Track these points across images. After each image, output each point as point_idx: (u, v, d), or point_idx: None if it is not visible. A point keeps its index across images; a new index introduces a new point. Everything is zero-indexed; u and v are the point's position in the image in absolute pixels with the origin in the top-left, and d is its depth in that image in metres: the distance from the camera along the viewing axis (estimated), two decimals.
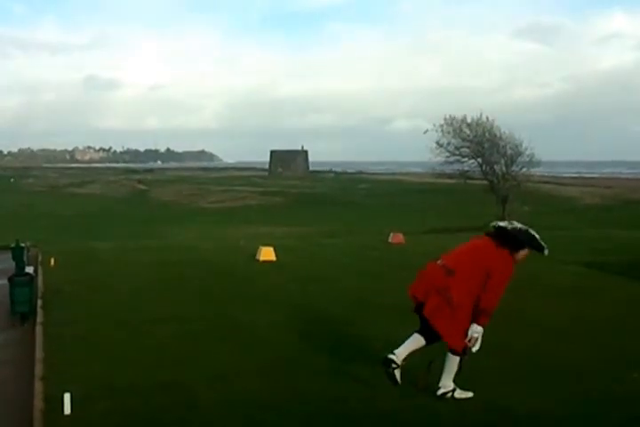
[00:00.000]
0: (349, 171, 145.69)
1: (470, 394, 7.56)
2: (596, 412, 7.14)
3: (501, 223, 7.81)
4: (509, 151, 39.47)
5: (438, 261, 7.73)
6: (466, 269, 7.41)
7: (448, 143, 40.55)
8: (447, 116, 40.56)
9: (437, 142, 40.27)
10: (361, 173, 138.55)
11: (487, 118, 40.28)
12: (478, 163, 40.28)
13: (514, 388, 7.87)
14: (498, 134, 39.87)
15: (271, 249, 19.93)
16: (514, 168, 39.44)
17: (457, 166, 40.81)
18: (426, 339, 7.56)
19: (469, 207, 46.51)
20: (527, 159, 39.19)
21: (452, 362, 7.49)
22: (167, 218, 58.04)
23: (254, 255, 19.78)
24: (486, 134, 39.91)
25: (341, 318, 11.95)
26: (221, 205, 72.23)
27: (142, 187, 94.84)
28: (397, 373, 7.51)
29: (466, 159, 40.58)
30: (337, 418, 6.99)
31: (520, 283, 15.15)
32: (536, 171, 41.90)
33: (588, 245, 22.84)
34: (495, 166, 39.82)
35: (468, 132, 40.27)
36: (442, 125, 40.36)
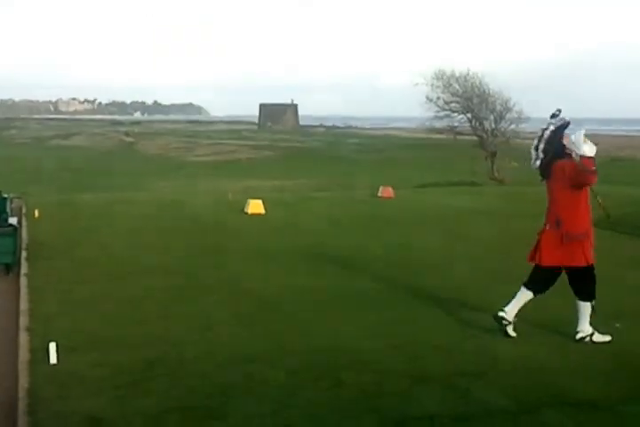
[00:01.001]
0: (340, 125, 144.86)
1: (608, 338, 7.81)
2: (579, 360, 7.20)
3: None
4: (498, 107, 39.25)
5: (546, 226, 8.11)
6: (561, 206, 7.91)
7: (437, 98, 40.30)
8: (437, 71, 40.23)
9: (427, 97, 40.01)
10: (351, 127, 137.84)
11: (477, 74, 39.99)
12: (468, 118, 40.07)
13: (502, 339, 7.85)
14: (487, 90, 39.58)
15: (260, 202, 19.74)
16: (503, 124, 39.23)
17: (447, 121, 40.63)
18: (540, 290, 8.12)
19: (459, 162, 46.28)
20: (516, 115, 38.99)
21: (585, 307, 7.92)
22: (154, 171, 57.60)
23: (243, 209, 19.59)
24: (475, 90, 39.60)
25: (328, 271, 11.87)
26: (210, 159, 71.80)
27: (129, 139, 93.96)
28: (509, 329, 7.96)
29: (455, 114, 40.39)
30: (322, 371, 6.90)
31: (510, 241, 15.28)
32: (525, 127, 41.72)
33: None
34: (484, 122, 39.62)
35: (457, 87, 39.97)
36: (432, 80, 40.05)
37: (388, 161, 63.27)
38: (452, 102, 40.21)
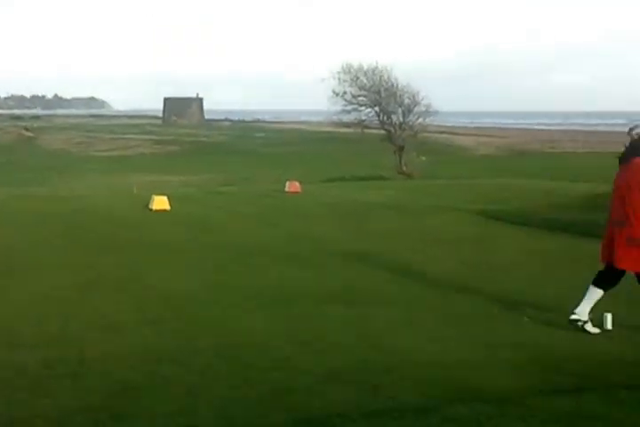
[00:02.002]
0: (246, 119, 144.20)
1: (597, 330, 7.87)
2: (489, 354, 7.17)
3: None
4: (407, 101, 39.61)
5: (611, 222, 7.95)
6: (624, 208, 7.71)
7: (345, 92, 40.40)
8: (344, 64, 40.33)
9: (334, 91, 40.08)
10: (258, 121, 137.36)
11: (385, 68, 40.24)
12: (375, 112, 40.33)
13: (409, 335, 7.81)
14: (395, 84, 39.90)
15: (165, 198, 19.34)
16: (411, 117, 39.60)
17: (354, 115, 40.78)
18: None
19: (367, 156, 46.64)
20: (424, 109, 39.42)
21: (594, 293, 8.01)
22: (56, 166, 56.21)
23: (147, 205, 19.17)
24: (383, 83, 39.86)
25: (235, 265, 11.70)
26: (113, 154, 70.51)
27: (29, 134, 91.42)
28: (588, 326, 7.92)
29: (363, 108, 40.60)
30: (229, 369, 6.72)
31: (417, 232, 15.41)
32: (433, 120, 42.26)
33: (484, 194, 23.09)
34: (392, 116, 39.92)
35: (365, 80, 40.16)
36: (339, 73, 40.13)
37: (295, 155, 63.26)
38: (359, 96, 40.39)
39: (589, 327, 7.99)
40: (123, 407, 5.81)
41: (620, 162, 8.05)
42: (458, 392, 6.02)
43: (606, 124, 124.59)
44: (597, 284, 8.14)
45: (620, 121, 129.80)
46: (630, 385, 6.15)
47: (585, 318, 8.02)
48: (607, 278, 8.14)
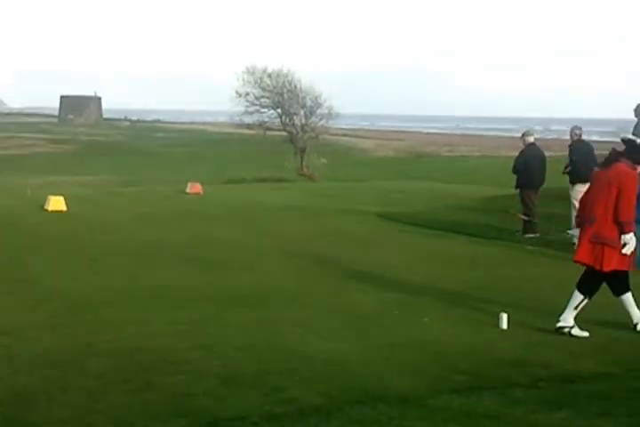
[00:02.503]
0: (146, 119, 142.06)
1: (586, 334, 7.99)
2: (389, 354, 7.25)
3: (631, 136, 8.48)
4: (309, 103, 39.72)
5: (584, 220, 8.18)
6: (603, 205, 7.96)
7: (247, 93, 40.27)
8: (248, 66, 40.22)
9: (237, 92, 39.91)
10: (158, 121, 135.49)
11: (289, 70, 40.30)
12: (278, 113, 40.34)
13: (311, 337, 7.83)
14: (298, 86, 40.00)
15: (61, 199, 18.89)
16: (313, 119, 39.75)
17: (257, 117, 40.69)
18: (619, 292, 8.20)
19: (268, 158, 46.53)
20: (326, 111, 39.61)
21: (577, 299, 8.10)
22: None
23: (42, 205, 18.68)
24: (287, 85, 39.91)
25: (136, 267, 11.57)
26: (6, 153, 68.35)
27: None
28: (575, 330, 8.04)
29: (266, 110, 40.52)
30: (129, 373, 6.61)
31: (318, 233, 15.48)
32: (336, 123, 42.53)
33: (383, 196, 23.36)
34: (295, 117, 39.99)
35: (268, 82, 40.12)
36: (243, 74, 39.99)
37: (196, 156, 62.68)
38: (262, 97, 40.30)
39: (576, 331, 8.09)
40: (17, 414, 5.65)
41: (601, 166, 8.42)
42: (360, 393, 6.06)
43: (500, 129, 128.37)
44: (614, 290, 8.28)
45: (514, 126, 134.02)
46: (526, 384, 6.33)
47: (570, 323, 8.14)
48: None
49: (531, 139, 15.39)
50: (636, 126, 17.07)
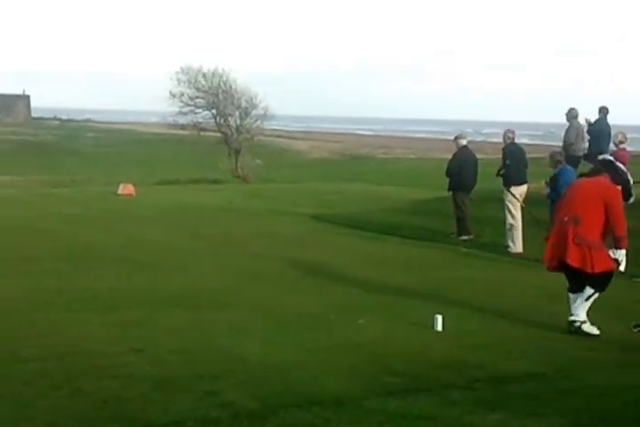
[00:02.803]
0: (77, 119, 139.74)
1: (597, 331, 8.25)
2: (325, 357, 7.23)
3: (609, 157, 8.98)
4: (244, 104, 39.51)
5: (564, 218, 8.39)
6: (589, 210, 8.26)
7: (182, 94, 39.87)
8: (183, 66, 39.83)
9: (171, 92, 39.49)
10: (90, 121, 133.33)
11: (224, 70, 40.02)
12: (212, 114, 40.01)
13: (247, 340, 7.78)
14: (233, 86, 39.76)
15: None
16: (248, 121, 39.55)
17: (191, 117, 40.32)
18: (578, 289, 8.42)
19: (202, 159, 46.15)
20: (262, 112, 39.45)
21: (588, 294, 8.31)
22: None
23: None
24: (222, 86, 39.63)
25: (67, 270, 11.35)
26: None
27: None
28: (585, 326, 8.29)
29: (200, 110, 40.17)
30: (59, 378, 6.44)
31: (252, 235, 15.41)
32: (271, 124, 42.39)
33: (317, 198, 23.38)
34: (229, 118, 39.73)
35: (203, 82, 39.78)
36: (177, 74, 39.58)
37: (128, 157, 61.80)
38: (197, 98, 39.95)
39: (587, 327, 8.34)
40: None
41: (587, 175, 8.85)
42: (295, 396, 6.02)
43: (436, 132, 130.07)
44: (592, 286, 8.40)
45: (448, 129, 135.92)
46: (461, 386, 6.37)
47: (582, 318, 8.37)
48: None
49: (463, 142, 15.55)
50: (567, 130, 17.44)
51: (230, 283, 10.67)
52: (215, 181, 33.62)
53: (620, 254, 8.36)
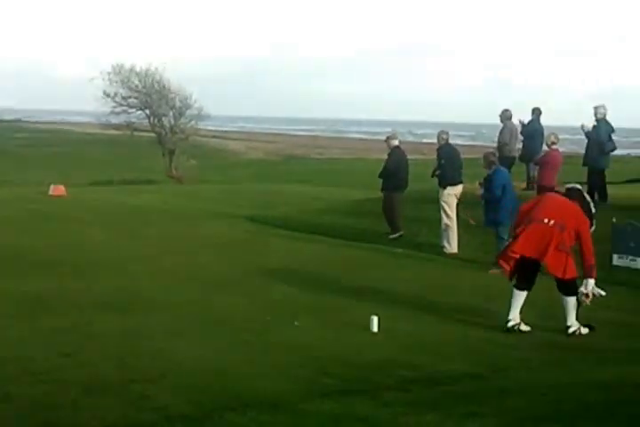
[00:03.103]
0: (6, 118, 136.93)
1: (586, 330, 8.54)
2: (260, 359, 7.19)
3: (578, 186, 9.16)
4: (178, 104, 39.14)
5: (550, 222, 8.52)
6: (571, 222, 8.54)
7: (115, 93, 39.31)
8: (115, 65, 39.25)
9: (104, 92, 38.89)
10: (20, 120, 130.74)
11: (157, 69, 39.56)
12: (146, 114, 39.53)
13: (181, 342, 7.70)
14: (167, 86, 39.35)
15: None
16: (182, 121, 39.20)
17: (124, 117, 39.76)
18: (527, 288, 8.71)
19: (136, 160, 45.74)
20: (196, 112, 39.13)
21: (571, 303, 8.57)
22: None
23: None
24: (155, 85, 39.19)
25: None
26: None
27: None
28: (522, 326, 8.58)
29: (133, 110, 39.64)
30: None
31: (188, 237, 15.24)
32: (206, 124, 42.06)
33: (253, 199, 23.26)
34: (163, 119, 39.32)
35: (136, 82, 39.29)
36: (109, 74, 39.00)
37: (59, 157, 60.75)
38: (130, 98, 39.42)
39: (583, 330, 8.57)
40: None
41: (565, 194, 9.03)
42: (230, 400, 5.95)
43: (371, 133, 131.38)
44: (567, 293, 8.62)
45: (387, 129, 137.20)
46: (396, 387, 6.37)
47: (576, 325, 8.57)
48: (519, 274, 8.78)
49: (395, 142, 15.59)
50: (501, 131, 17.67)
51: (165, 285, 10.53)
52: (149, 182, 33.23)
53: (590, 284, 8.59)
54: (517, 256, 8.68)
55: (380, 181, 15.58)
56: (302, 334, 8.17)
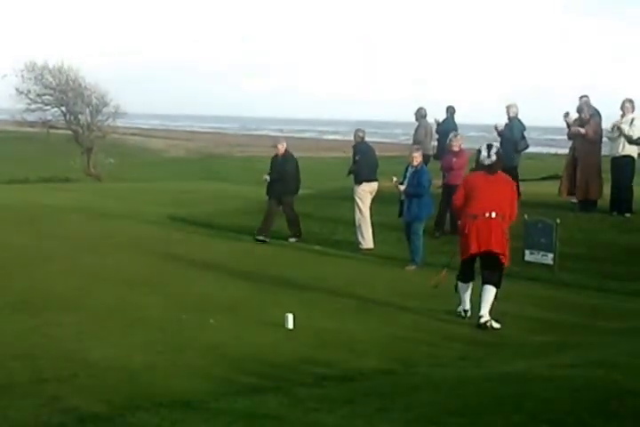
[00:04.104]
0: None
1: (499, 326, 8.69)
2: (174, 359, 7.17)
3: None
4: (95, 101, 38.53)
5: (492, 215, 8.79)
6: (506, 206, 8.91)
7: (29, 91, 38.52)
8: (28, 62, 38.45)
9: (17, 89, 38.07)
10: None
11: (71, 67, 38.90)
12: (62, 112, 38.83)
13: (94, 342, 7.64)
14: (82, 84, 38.71)
15: None
16: (99, 118, 38.61)
17: (39, 115, 39.00)
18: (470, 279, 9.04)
19: (52, 158, 44.73)
20: (113, 110, 38.59)
21: (492, 294, 8.74)
22: None
23: None
24: (70, 83, 38.51)
25: None
26: None
27: None
28: (492, 323, 8.69)
29: (49, 107, 38.88)
30: None
31: (105, 236, 15.03)
32: (122, 122, 41.50)
33: (173, 197, 23.05)
34: (80, 116, 38.66)
35: (50, 79, 38.55)
36: (22, 71, 38.19)
37: None
38: (44, 95, 38.64)
39: (495, 324, 8.73)
40: None
41: (487, 171, 9.03)
42: (143, 399, 5.92)
43: (294, 130, 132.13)
44: (496, 283, 8.86)
45: (305, 127, 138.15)
46: (310, 383, 6.43)
47: (488, 317, 8.70)
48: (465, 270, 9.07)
49: (282, 147, 15.29)
50: (416, 129, 17.91)
51: (77, 284, 10.39)
52: (67, 180, 32.64)
53: None
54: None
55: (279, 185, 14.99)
56: (218, 332, 8.17)
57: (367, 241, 13.92)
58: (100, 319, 8.55)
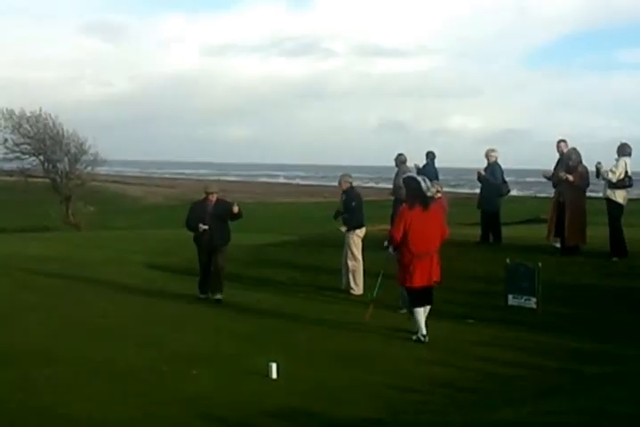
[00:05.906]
0: None
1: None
2: (155, 412, 6.98)
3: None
4: (73, 149, 38.50)
5: (432, 251, 10.05)
6: (440, 237, 10.15)
7: (6, 140, 38.46)
8: (5, 110, 38.42)
9: None
10: None
11: (49, 115, 38.89)
12: (40, 160, 38.75)
13: (71, 396, 7.44)
14: (61, 132, 38.68)
15: None
16: (78, 166, 38.53)
17: (17, 164, 38.89)
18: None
19: (31, 207, 44.50)
20: (92, 158, 38.54)
21: (427, 310, 10.21)
22: None
23: None
24: (48, 131, 38.49)
25: None
26: None
27: None
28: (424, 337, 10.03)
29: (27, 156, 38.81)
30: None
31: (84, 286, 14.82)
32: (101, 170, 41.43)
33: (151, 245, 22.85)
34: (58, 164, 38.58)
35: (28, 128, 38.50)
36: (0, 120, 38.16)
37: None
38: (22, 144, 38.59)
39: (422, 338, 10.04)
40: None
41: (424, 208, 9.98)
42: None
43: (268, 175, 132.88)
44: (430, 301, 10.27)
45: (281, 173, 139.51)
46: None
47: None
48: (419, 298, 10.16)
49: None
50: (397, 174, 17.95)
51: (56, 336, 10.17)
52: (45, 229, 32.40)
53: None
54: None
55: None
56: (199, 383, 8.01)
57: (360, 288, 13.83)
58: (78, 372, 8.35)
